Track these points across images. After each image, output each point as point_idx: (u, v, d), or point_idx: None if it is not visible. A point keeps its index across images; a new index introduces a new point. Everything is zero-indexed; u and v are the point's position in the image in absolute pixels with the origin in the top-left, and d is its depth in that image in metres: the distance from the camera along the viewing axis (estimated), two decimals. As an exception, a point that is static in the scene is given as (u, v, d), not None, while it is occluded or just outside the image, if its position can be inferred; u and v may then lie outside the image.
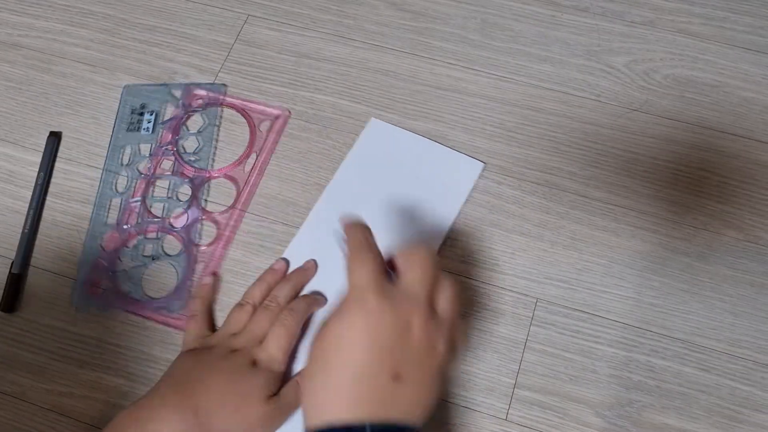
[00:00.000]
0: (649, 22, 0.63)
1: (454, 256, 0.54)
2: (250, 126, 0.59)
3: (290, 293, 0.52)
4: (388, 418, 0.37)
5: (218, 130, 0.59)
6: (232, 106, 0.60)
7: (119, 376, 0.51)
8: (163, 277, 0.54)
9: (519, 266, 0.53)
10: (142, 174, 0.58)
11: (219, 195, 0.57)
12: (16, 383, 0.51)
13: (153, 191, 0.57)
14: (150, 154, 0.58)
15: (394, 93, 0.60)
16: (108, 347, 0.52)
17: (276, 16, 0.64)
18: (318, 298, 0.52)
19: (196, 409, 0.44)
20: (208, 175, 0.57)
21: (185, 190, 0.57)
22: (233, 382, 0.46)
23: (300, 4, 0.65)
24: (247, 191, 0.57)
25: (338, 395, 0.38)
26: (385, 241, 0.53)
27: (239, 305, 0.51)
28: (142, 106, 0.60)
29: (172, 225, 0.56)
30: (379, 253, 0.41)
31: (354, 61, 0.62)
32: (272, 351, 0.48)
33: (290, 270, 0.54)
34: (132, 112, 0.60)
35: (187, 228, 0.55)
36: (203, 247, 0.55)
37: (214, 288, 0.53)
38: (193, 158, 0.58)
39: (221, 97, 0.60)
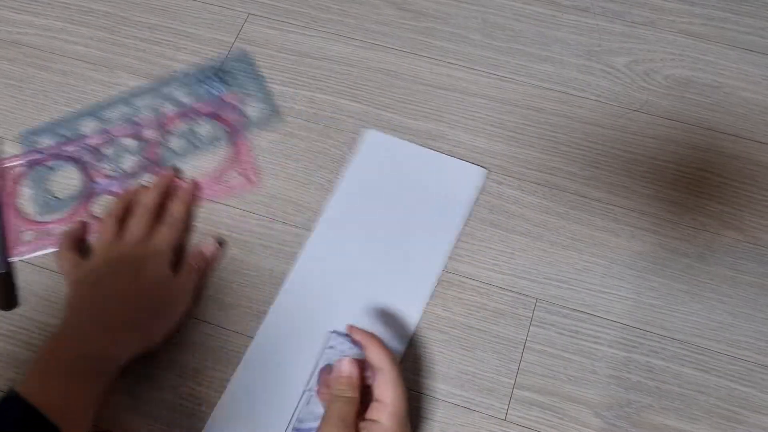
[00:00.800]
0: (650, 23, 0.63)
1: (453, 255, 0.54)
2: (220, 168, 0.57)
3: (154, 198, 0.54)
4: None
5: (203, 146, 0.58)
6: (237, 152, 0.57)
7: (118, 374, 0.51)
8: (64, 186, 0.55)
9: (519, 266, 0.53)
10: (160, 113, 0.59)
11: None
12: (15, 381, 0.51)
13: (125, 137, 0.58)
14: (180, 106, 0.59)
15: (395, 92, 0.60)
16: (107, 346, 0.52)
17: (276, 15, 0.64)
18: (191, 197, 0.55)
19: (114, 326, 0.47)
20: (153, 169, 0.57)
21: (128, 162, 0.58)
22: (134, 280, 0.49)
23: (301, 3, 0.65)
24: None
25: None
26: (387, 256, 0.54)
27: (105, 215, 0.54)
28: (225, 72, 0.59)
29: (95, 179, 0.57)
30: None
31: (355, 60, 0.62)
32: (158, 243, 0.52)
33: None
34: (217, 70, 0.60)
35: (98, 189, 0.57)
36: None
37: (83, 229, 0.55)
38: (173, 146, 0.58)
39: (239, 134, 0.58)
